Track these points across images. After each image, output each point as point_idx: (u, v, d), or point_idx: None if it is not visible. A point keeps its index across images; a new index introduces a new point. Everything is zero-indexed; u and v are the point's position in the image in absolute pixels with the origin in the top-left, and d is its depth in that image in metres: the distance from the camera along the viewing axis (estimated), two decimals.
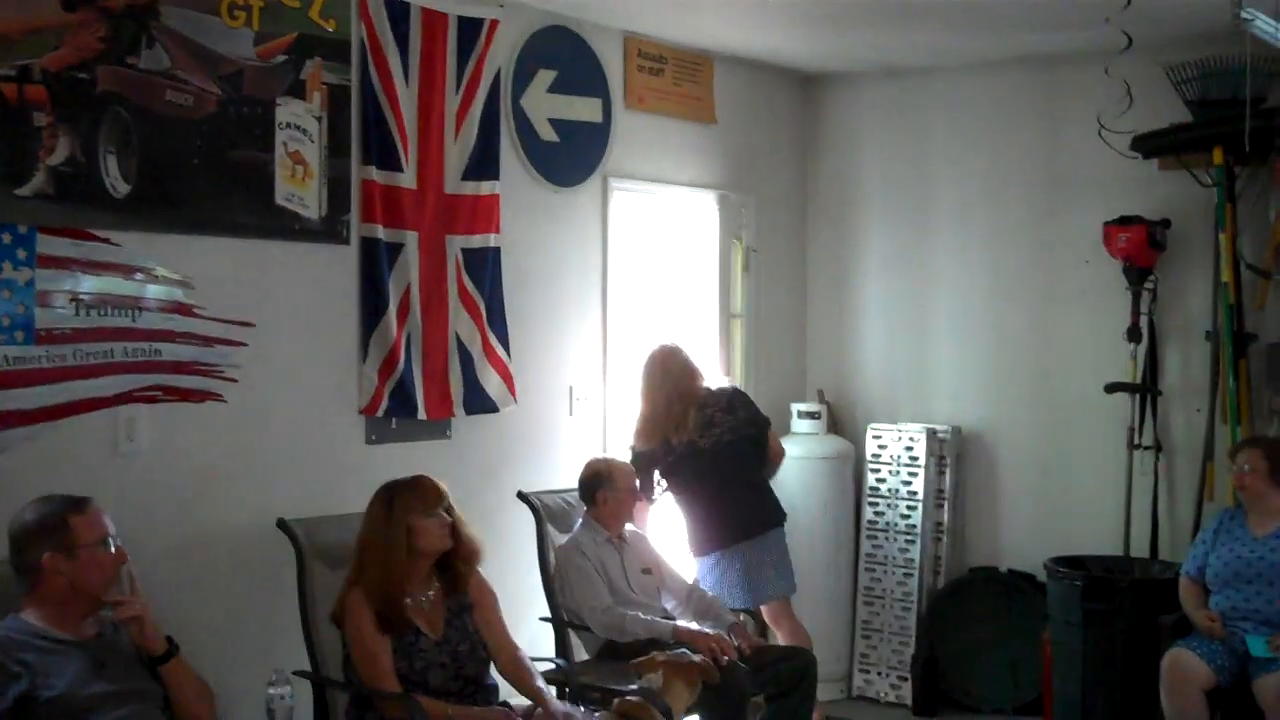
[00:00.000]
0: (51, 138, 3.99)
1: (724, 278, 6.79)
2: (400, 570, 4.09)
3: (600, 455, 5.48)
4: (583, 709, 4.42)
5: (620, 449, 5.82)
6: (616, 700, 4.06)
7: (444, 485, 4.23)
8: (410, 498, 4.15)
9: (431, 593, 4.21)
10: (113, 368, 4.16)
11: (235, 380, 4.51)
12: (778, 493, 6.27)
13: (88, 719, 3.30)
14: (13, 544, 3.44)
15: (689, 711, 4.48)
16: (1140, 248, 6.11)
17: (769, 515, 5.71)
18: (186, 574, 4.32)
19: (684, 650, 4.32)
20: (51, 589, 3.40)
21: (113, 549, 3.49)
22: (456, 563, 4.23)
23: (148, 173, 4.23)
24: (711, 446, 5.58)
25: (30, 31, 3.94)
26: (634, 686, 4.10)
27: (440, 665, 4.11)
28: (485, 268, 5.36)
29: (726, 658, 4.74)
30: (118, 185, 4.17)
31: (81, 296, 4.07)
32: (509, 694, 4.34)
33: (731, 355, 6.88)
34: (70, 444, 4.05)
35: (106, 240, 4.14)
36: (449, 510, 4.21)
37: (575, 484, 5.31)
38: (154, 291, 4.27)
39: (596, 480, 5.18)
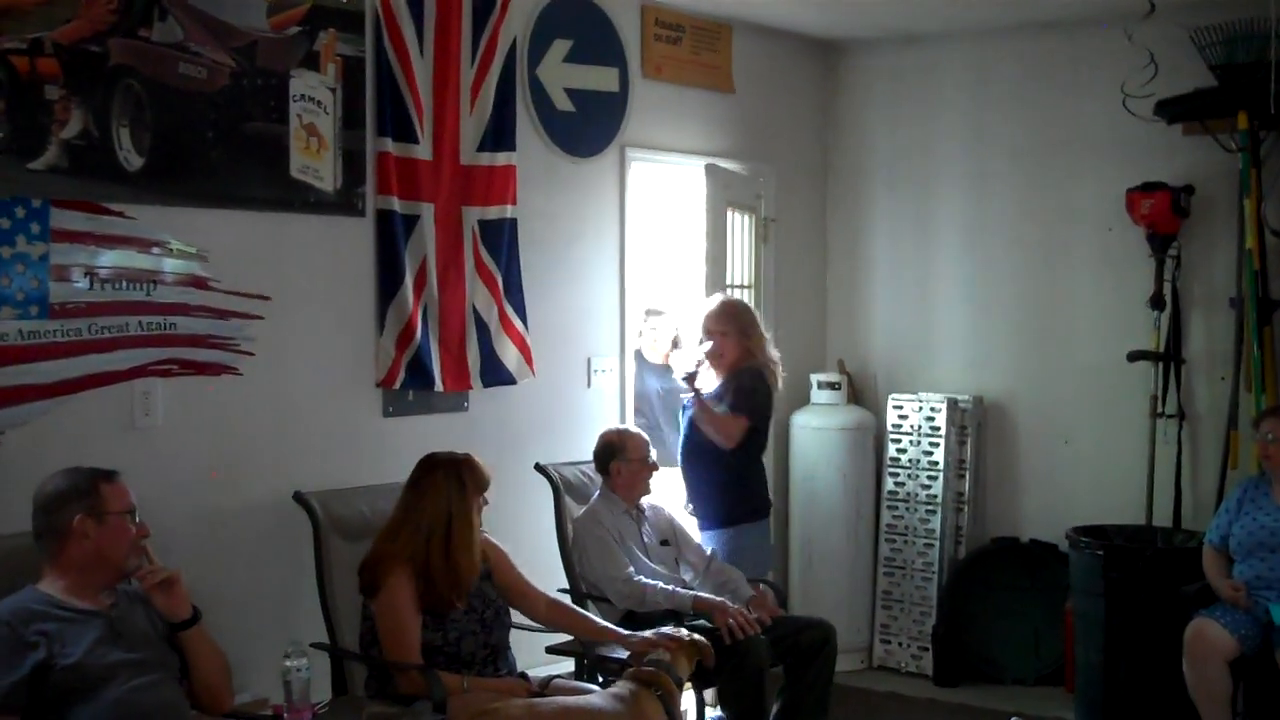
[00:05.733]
0: (64, 111, 3.98)
1: (717, 247, 6.54)
2: (469, 551, 4.13)
3: (613, 426, 5.45)
4: (601, 680, 4.43)
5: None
6: (631, 669, 4.07)
7: None
8: (477, 478, 4.19)
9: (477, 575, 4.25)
10: (128, 341, 4.15)
11: (251, 354, 4.51)
12: (799, 461, 6.27)
13: (104, 688, 3.32)
14: (41, 509, 3.46)
15: (705, 677, 4.58)
16: (1163, 214, 6.06)
17: None
18: (203, 547, 4.33)
19: (679, 630, 4.30)
20: (77, 554, 3.43)
21: (136, 524, 3.52)
22: None
23: (161, 146, 4.22)
24: None
25: (42, 4, 3.93)
26: (648, 656, 4.13)
27: (472, 633, 4.16)
28: (502, 239, 5.34)
29: (749, 626, 4.75)
30: (131, 158, 4.16)
31: (96, 270, 4.07)
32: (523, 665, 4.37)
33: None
34: (86, 418, 4.05)
35: (120, 214, 4.13)
36: None
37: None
38: (169, 265, 4.27)
39: (609, 451, 5.16)
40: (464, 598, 4.14)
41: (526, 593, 4.40)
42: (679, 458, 5.79)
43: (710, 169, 6.28)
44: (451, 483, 4.16)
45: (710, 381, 5.64)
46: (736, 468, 5.62)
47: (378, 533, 4.22)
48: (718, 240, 6.38)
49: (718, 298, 5.84)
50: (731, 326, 5.60)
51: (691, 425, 5.63)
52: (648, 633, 4.32)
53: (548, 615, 4.43)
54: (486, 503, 4.25)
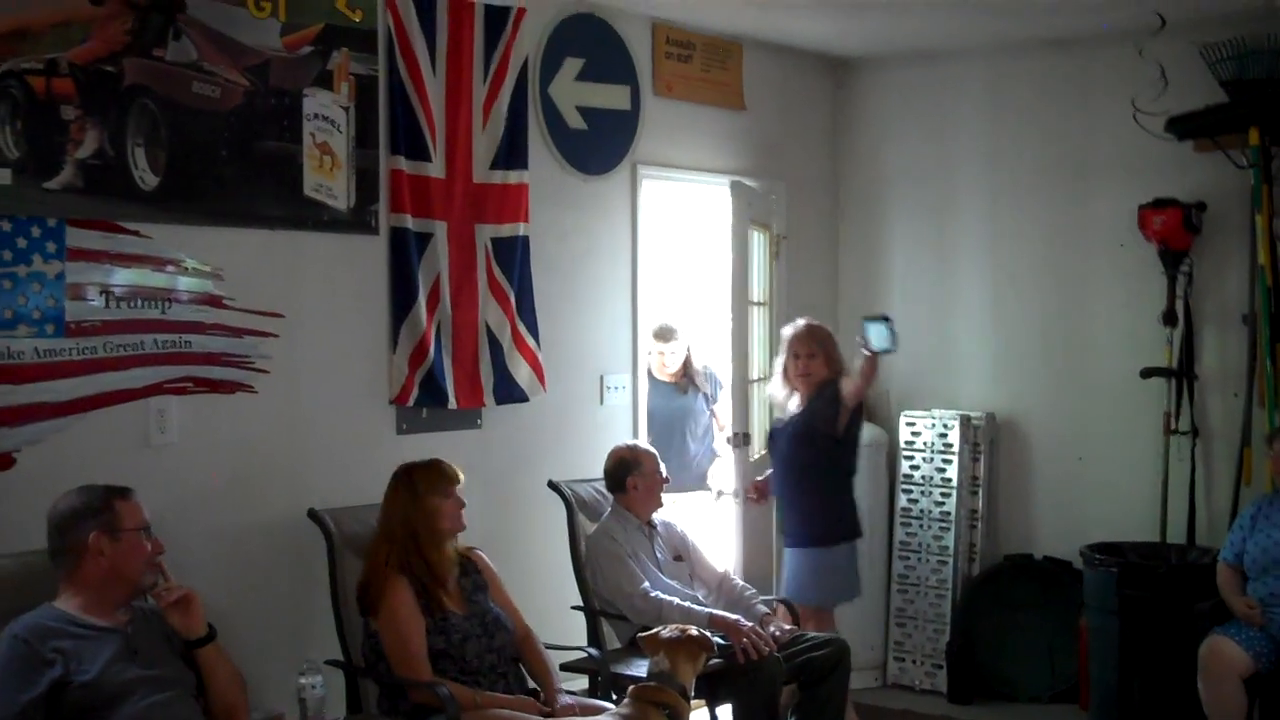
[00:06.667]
0: (80, 131, 4.00)
1: (740, 264, 6.50)
2: (437, 548, 4.22)
3: (622, 443, 5.43)
4: (615, 697, 4.42)
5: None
6: (633, 687, 4.06)
7: (459, 470, 4.34)
8: (429, 477, 4.27)
9: (454, 572, 4.32)
10: (143, 359, 4.17)
11: (266, 371, 4.53)
12: None
13: (121, 704, 3.33)
14: (56, 527, 3.48)
15: (713, 693, 4.59)
16: (1175, 230, 6.05)
17: None
18: (218, 564, 4.33)
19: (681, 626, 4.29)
20: (92, 571, 3.45)
21: (151, 540, 3.54)
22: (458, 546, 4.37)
23: (176, 165, 4.24)
24: None
25: (58, 25, 3.96)
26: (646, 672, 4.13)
27: (476, 637, 4.20)
28: (514, 257, 5.35)
29: (765, 647, 4.74)
30: (146, 177, 4.18)
31: (111, 289, 4.09)
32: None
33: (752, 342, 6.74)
34: (101, 436, 4.07)
35: (135, 233, 4.15)
36: (461, 494, 4.31)
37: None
38: (183, 283, 4.29)
39: (624, 467, 5.17)
40: (449, 590, 4.22)
41: (511, 614, 4.41)
42: (776, 478, 5.79)
43: (735, 186, 6.24)
44: (402, 489, 4.27)
45: (794, 404, 5.68)
46: (834, 487, 5.67)
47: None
48: (742, 257, 6.34)
49: (802, 321, 5.79)
50: (819, 349, 5.66)
51: (791, 444, 5.64)
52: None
53: (521, 645, 4.40)
54: (458, 497, 4.28)
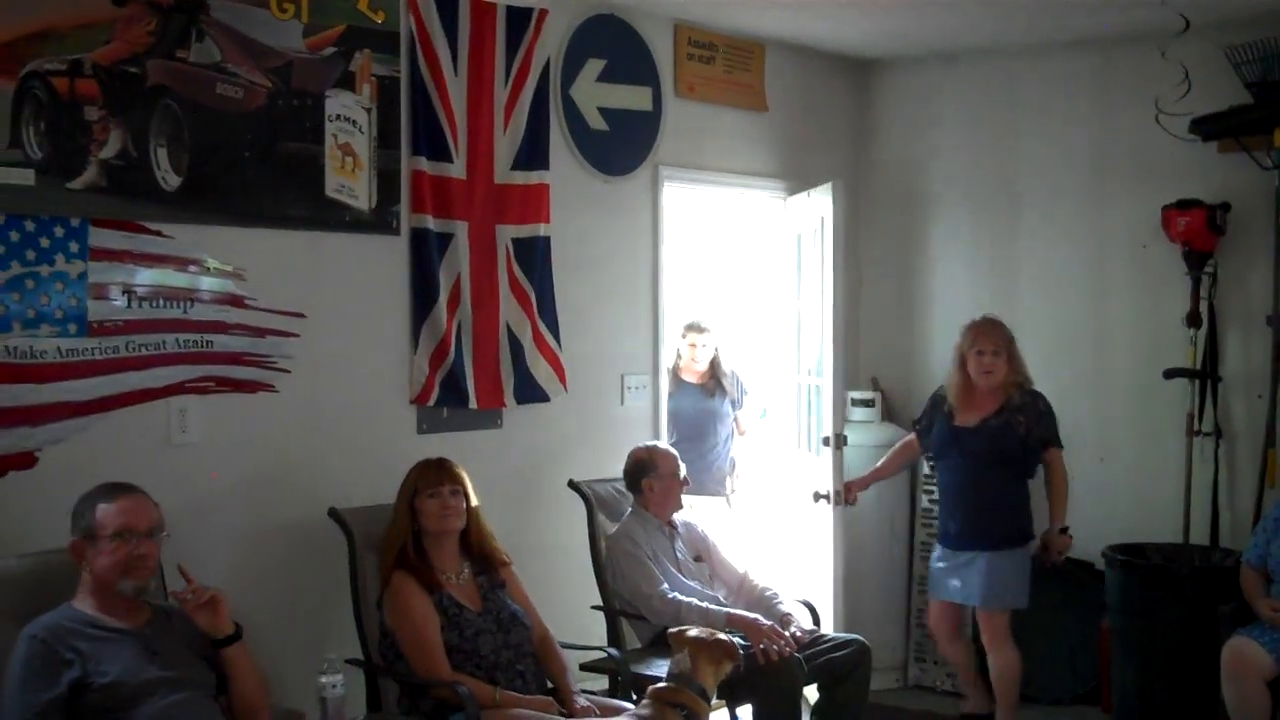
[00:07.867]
0: (103, 131, 4.03)
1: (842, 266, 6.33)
2: (436, 546, 4.27)
3: (642, 444, 5.42)
4: (634, 697, 4.43)
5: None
6: (651, 687, 4.06)
7: (459, 469, 4.36)
8: (424, 475, 4.32)
9: (465, 571, 4.34)
10: (165, 359, 4.20)
11: (287, 371, 4.55)
12: None
13: (140, 705, 3.34)
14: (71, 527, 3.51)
15: (732, 693, 4.61)
16: (1200, 231, 6.02)
17: None
18: (238, 563, 4.36)
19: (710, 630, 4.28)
20: (87, 575, 3.48)
21: (129, 544, 3.46)
22: (472, 544, 4.39)
23: (198, 165, 4.27)
24: None
25: (81, 26, 3.99)
26: (666, 672, 4.13)
27: (489, 632, 4.21)
28: (535, 257, 5.36)
29: (785, 647, 4.73)
30: (169, 178, 4.20)
31: (134, 288, 4.12)
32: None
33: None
34: (123, 435, 4.10)
35: (158, 233, 4.18)
36: (460, 494, 4.33)
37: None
38: (206, 283, 4.32)
39: (640, 468, 5.18)
40: (459, 586, 4.26)
41: (529, 614, 4.42)
42: (955, 478, 5.66)
43: (836, 186, 6.10)
44: (404, 486, 4.34)
45: (981, 406, 5.58)
46: (1021, 490, 5.62)
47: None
48: (846, 259, 6.25)
49: (982, 315, 5.70)
50: (1003, 345, 5.57)
51: (990, 445, 5.51)
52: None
53: (538, 645, 4.40)
54: (444, 497, 4.28)
